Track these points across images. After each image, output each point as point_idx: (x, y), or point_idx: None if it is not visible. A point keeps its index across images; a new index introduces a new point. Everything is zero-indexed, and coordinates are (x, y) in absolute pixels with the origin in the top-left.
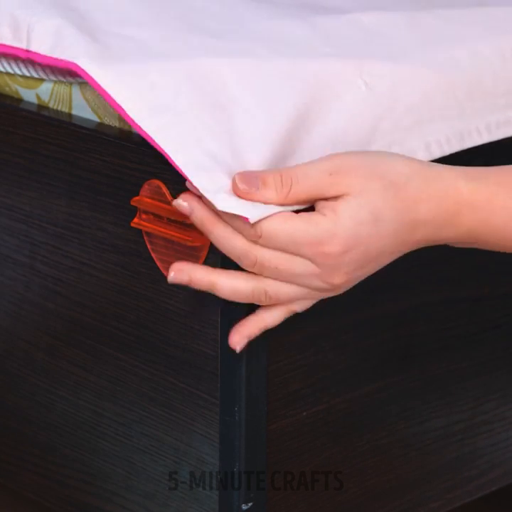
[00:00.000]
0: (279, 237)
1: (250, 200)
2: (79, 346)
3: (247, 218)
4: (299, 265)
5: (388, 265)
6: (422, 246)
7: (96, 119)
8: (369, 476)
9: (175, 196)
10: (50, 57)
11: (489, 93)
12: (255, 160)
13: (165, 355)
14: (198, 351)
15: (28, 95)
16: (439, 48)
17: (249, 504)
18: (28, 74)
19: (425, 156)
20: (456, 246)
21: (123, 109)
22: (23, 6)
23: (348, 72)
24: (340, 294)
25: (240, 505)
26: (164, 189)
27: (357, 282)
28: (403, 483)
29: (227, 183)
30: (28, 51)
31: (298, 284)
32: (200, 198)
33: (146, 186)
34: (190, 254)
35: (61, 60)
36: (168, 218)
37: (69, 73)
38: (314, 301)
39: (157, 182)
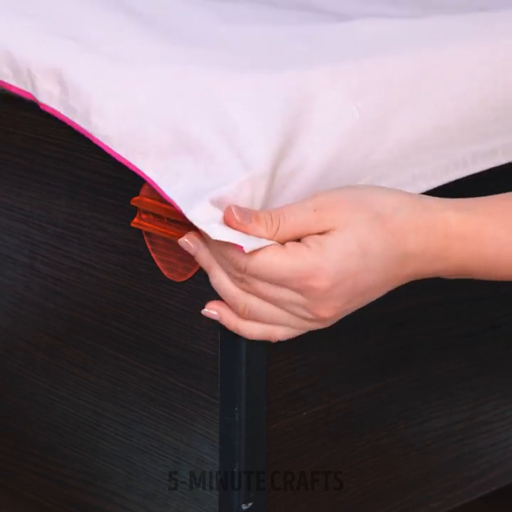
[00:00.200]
0: (265, 273)
1: (244, 232)
2: (79, 346)
3: (241, 247)
4: (286, 294)
5: None
6: (413, 279)
7: None
8: (369, 476)
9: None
10: (67, 119)
11: (480, 121)
12: (247, 196)
13: (165, 355)
14: (198, 351)
15: None
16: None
17: (249, 504)
18: None
19: (413, 189)
20: (447, 278)
21: (118, 154)
22: (18, 42)
23: (339, 95)
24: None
25: (239, 505)
26: None
27: (346, 314)
28: (403, 483)
29: (220, 214)
30: (39, 102)
31: (284, 310)
32: (205, 239)
33: (146, 186)
34: (189, 254)
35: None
36: (168, 218)
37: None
38: (300, 332)
39: None
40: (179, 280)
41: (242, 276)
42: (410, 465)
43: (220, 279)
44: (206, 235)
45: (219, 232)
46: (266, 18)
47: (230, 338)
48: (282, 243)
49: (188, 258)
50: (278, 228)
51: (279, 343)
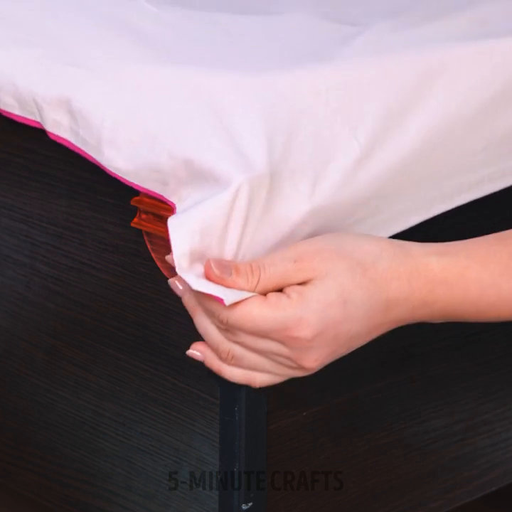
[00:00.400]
0: (247, 326)
1: (224, 286)
2: (79, 346)
3: (222, 299)
4: (269, 345)
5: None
6: (397, 326)
7: None
8: (369, 476)
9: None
10: (78, 148)
11: (468, 150)
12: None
13: (165, 355)
14: None
15: None
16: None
17: (249, 504)
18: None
19: (401, 226)
20: (433, 322)
21: (135, 184)
22: (22, 72)
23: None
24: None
25: (239, 505)
26: None
27: (329, 362)
28: (403, 483)
29: (201, 268)
30: (48, 132)
31: (267, 358)
32: None
33: None
34: None
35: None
36: (168, 218)
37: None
38: (283, 379)
39: None
40: None
41: (225, 326)
42: (410, 465)
43: (204, 325)
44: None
45: (199, 284)
46: (275, 36)
47: None
48: (263, 294)
49: None
50: (258, 280)
51: None
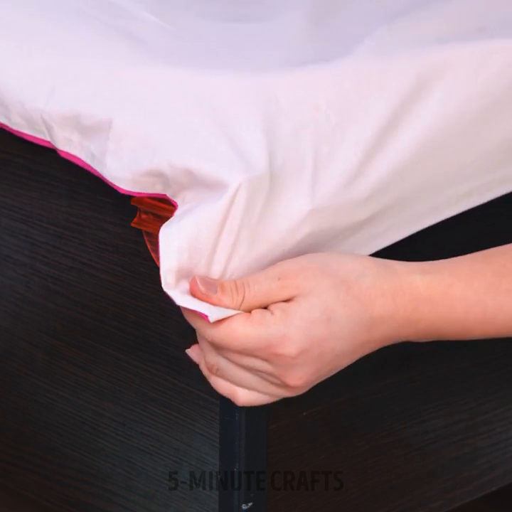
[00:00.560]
0: (231, 344)
1: (209, 303)
2: (79, 346)
3: (206, 316)
4: (253, 362)
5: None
6: (383, 345)
7: None
8: (369, 476)
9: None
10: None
11: (459, 163)
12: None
13: (165, 355)
14: None
15: None
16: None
17: (249, 504)
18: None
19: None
20: (418, 341)
21: (129, 191)
22: (28, 90)
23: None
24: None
25: (239, 505)
26: None
27: (319, 380)
28: (403, 483)
29: (186, 285)
30: (58, 149)
31: (252, 375)
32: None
33: None
34: None
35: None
36: (168, 218)
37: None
38: (269, 399)
39: None
40: None
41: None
42: (410, 465)
43: (199, 335)
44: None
45: (184, 300)
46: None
47: None
48: (248, 312)
49: None
50: (243, 298)
51: None
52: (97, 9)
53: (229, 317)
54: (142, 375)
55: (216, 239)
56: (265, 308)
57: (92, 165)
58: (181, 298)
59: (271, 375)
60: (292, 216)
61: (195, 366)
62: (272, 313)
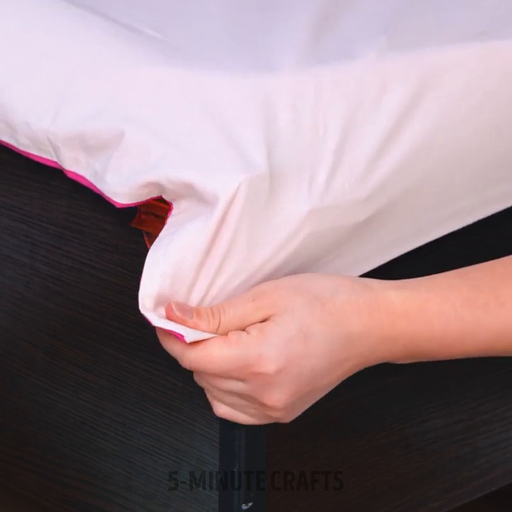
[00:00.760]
0: (208, 367)
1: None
2: (79, 346)
3: (182, 336)
4: (233, 386)
5: (389, 264)
6: (361, 366)
7: None
8: (369, 476)
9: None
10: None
11: (445, 187)
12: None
13: (165, 355)
14: None
15: None
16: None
17: (249, 504)
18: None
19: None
20: (400, 363)
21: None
22: (32, 111)
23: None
24: None
25: (239, 505)
26: None
27: (300, 410)
28: (403, 483)
29: (163, 311)
30: (65, 170)
31: (238, 398)
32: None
33: None
34: None
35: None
36: (167, 218)
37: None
38: (262, 421)
39: None
40: None
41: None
42: (410, 465)
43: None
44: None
45: (160, 321)
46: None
47: None
48: (224, 335)
49: None
50: (219, 322)
51: None
52: (97, 16)
53: (205, 341)
54: (142, 375)
55: (200, 266)
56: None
57: (94, 182)
58: (158, 320)
59: (250, 397)
60: (292, 217)
61: None
62: (248, 334)
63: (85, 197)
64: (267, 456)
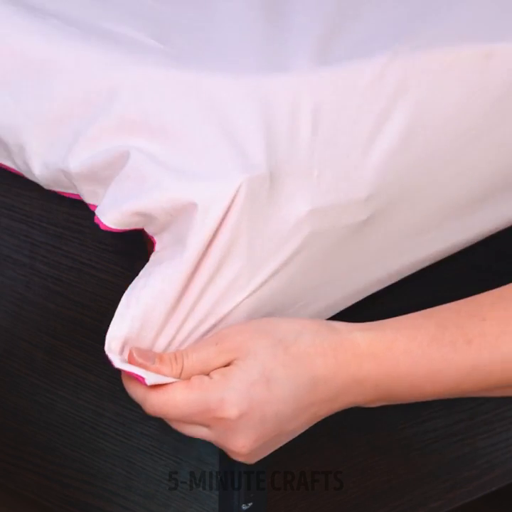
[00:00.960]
0: (171, 412)
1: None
2: (79, 346)
3: (143, 379)
4: (196, 431)
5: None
6: (329, 411)
7: None
8: (369, 476)
9: None
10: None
11: (423, 230)
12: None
13: None
14: None
15: None
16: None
17: (249, 504)
18: None
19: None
20: (373, 406)
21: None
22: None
23: None
24: None
25: (239, 505)
26: None
27: (265, 452)
28: (403, 483)
29: (125, 355)
30: (88, 203)
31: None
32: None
33: None
34: None
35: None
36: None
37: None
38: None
39: None
40: None
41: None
42: (410, 465)
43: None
44: None
45: (122, 364)
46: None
47: None
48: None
49: None
50: (182, 367)
51: None
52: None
53: (167, 386)
54: None
55: (169, 314)
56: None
57: (96, 204)
58: (119, 362)
59: (216, 442)
60: (292, 217)
61: None
62: (211, 378)
63: None
64: (267, 456)
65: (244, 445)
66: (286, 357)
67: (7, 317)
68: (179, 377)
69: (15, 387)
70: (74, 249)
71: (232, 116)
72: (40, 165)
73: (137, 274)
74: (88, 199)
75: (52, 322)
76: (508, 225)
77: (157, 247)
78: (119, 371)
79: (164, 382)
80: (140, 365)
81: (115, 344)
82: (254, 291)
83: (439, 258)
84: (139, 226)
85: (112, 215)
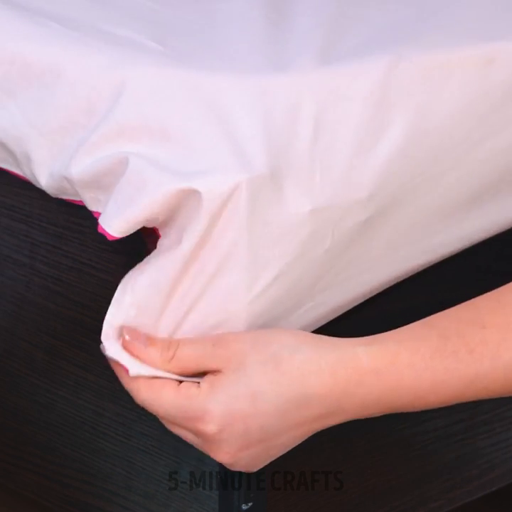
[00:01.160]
0: (159, 411)
1: (134, 354)
2: (79, 346)
3: (127, 369)
4: (184, 434)
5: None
6: (327, 425)
7: None
8: (369, 476)
9: None
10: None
11: (434, 232)
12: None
13: None
14: None
15: None
16: None
17: (249, 504)
18: None
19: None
20: (371, 417)
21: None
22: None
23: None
24: None
25: (239, 505)
26: None
27: (260, 462)
28: (403, 483)
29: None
30: (92, 211)
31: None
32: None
33: None
34: None
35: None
36: None
37: None
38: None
39: None
40: None
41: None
42: (410, 465)
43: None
44: None
45: (112, 350)
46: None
47: None
48: (176, 372)
49: None
50: (174, 355)
51: None
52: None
53: (158, 384)
54: None
55: (164, 304)
56: (200, 374)
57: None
58: (109, 348)
59: (200, 447)
60: (293, 216)
61: None
62: (198, 387)
63: None
64: None
65: (229, 452)
66: (274, 373)
67: (7, 317)
68: (168, 364)
69: (15, 387)
70: (74, 249)
71: (233, 117)
72: (46, 175)
73: None
74: (91, 206)
75: (52, 322)
76: (510, 226)
77: (161, 237)
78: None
79: (149, 375)
80: (129, 346)
81: (111, 330)
82: (256, 292)
83: (442, 258)
84: (143, 226)
85: (118, 224)
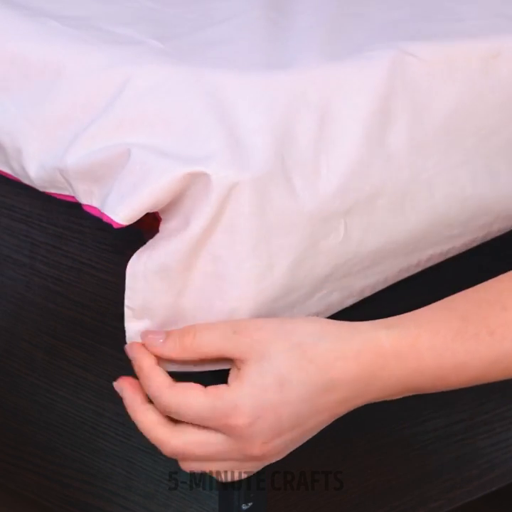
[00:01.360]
0: (187, 414)
1: (153, 345)
2: (79, 346)
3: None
4: (212, 441)
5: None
6: (352, 407)
7: None
8: (369, 476)
9: None
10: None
11: (448, 225)
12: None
13: None
14: None
15: None
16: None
17: (249, 504)
18: None
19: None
20: (392, 399)
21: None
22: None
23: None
24: None
25: (239, 505)
26: None
27: (289, 448)
28: (403, 483)
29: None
30: (82, 204)
31: (219, 460)
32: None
33: None
34: None
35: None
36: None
37: None
38: (246, 472)
39: None
40: None
41: (166, 413)
42: (410, 465)
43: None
44: None
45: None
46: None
47: None
48: (195, 357)
49: None
50: (192, 340)
51: None
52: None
53: (184, 387)
54: None
55: (174, 288)
56: (218, 360)
57: (98, 207)
58: (132, 334)
59: (232, 450)
60: (300, 207)
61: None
62: (227, 386)
63: None
64: None
65: (265, 442)
66: (301, 361)
67: (7, 317)
68: (187, 352)
69: (15, 387)
70: (74, 249)
71: (236, 109)
72: (37, 166)
73: None
74: (83, 199)
75: (52, 322)
76: None
77: (162, 221)
78: (119, 371)
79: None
80: (149, 340)
81: (132, 314)
82: (267, 279)
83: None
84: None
85: (124, 212)
